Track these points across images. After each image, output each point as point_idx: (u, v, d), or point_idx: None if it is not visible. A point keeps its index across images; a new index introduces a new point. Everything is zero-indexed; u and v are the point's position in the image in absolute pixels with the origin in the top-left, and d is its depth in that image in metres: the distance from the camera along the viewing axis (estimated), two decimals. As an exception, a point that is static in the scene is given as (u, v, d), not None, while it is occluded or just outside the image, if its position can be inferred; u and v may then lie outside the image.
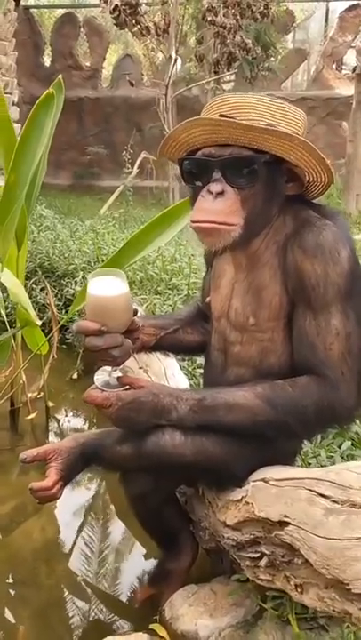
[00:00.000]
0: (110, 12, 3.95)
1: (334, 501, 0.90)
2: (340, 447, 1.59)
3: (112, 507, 1.98)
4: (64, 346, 3.05)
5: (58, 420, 2.59)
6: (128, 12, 3.87)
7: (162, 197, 9.63)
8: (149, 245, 1.90)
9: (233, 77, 8.31)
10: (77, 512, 1.94)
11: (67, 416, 2.66)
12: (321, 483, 0.93)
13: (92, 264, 3.30)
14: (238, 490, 1.20)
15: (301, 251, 1.10)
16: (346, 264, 1.08)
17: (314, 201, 1.22)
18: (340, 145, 8.95)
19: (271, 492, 1.02)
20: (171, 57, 4.16)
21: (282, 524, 0.96)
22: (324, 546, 0.84)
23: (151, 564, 1.65)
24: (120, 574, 1.66)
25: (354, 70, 10.45)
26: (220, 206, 1.07)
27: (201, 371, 2.32)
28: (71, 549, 1.75)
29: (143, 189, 9.05)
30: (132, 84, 4.98)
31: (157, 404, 1.16)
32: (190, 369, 2.27)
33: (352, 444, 1.60)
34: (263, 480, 1.08)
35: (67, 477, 1.34)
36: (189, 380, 2.15)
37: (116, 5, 3.90)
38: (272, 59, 8.81)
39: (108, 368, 1.25)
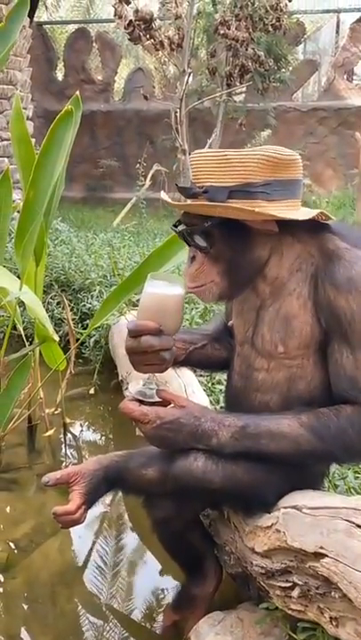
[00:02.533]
0: (125, 28, 3.98)
1: (374, 533, 0.86)
2: (367, 468, 1.55)
3: (128, 522, 1.95)
4: (80, 360, 3.04)
5: (75, 436, 2.57)
6: (142, 27, 3.90)
7: (173, 209, 9.65)
8: (171, 259, 1.88)
9: (244, 89, 8.32)
10: (95, 529, 1.91)
11: (84, 432, 2.64)
12: (359, 512, 0.90)
13: (109, 278, 3.29)
14: (267, 516, 1.16)
15: (334, 287, 1.08)
16: None
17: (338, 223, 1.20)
18: (353, 155, 8.92)
19: (305, 520, 0.98)
20: (184, 70, 4.17)
21: (317, 555, 0.92)
22: (366, 582, 0.80)
23: (169, 581, 1.63)
24: (142, 597, 1.62)
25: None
26: (193, 270, 1.14)
27: (220, 387, 2.29)
28: (91, 571, 1.71)
29: (156, 201, 9.05)
30: (145, 98, 5.01)
31: (198, 427, 1.14)
32: (209, 384, 2.23)
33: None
34: (295, 507, 1.04)
35: (90, 501, 1.31)
36: (208, 395, 2.12)
37: (131, 21, 3.93)
38: (283, 70, 8.81)
39: (144, 377, 1.22)
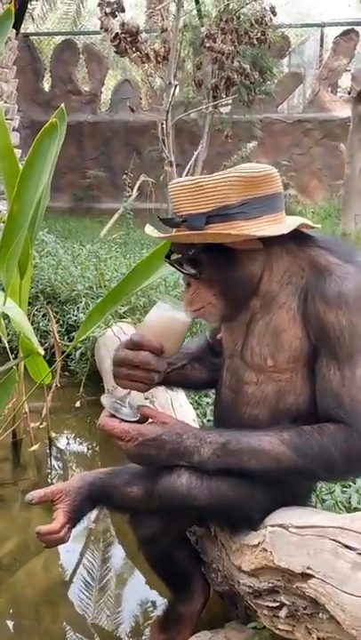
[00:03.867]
0: (111, 40, 4.00)
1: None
2: (354, 482, 1.54)
3: (115, 537, 1.92)
4: (66, 373, 3.01)
5: (61, 451, 2.53)
6: (128, 39, 3.92)
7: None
8: (157, 271, 1.87)
9: (230, 101, 8.39)
10: (81, 545, 1.87)
11: (70, 446, 2.60)
12: (345, 532, 0.89)
13: (95, 289, 3.27)
14: (254, 533, 1.15)
15: (324, 301, 1.08)
16: None
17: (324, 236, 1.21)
18: (338, 166, 9.03)
19: (291, 540, 0.97)
20: (170, 83, 4.20)
21: (304, 576, 0.90)
22: (353, 604, 0.79)
23: (156, 597, 1.61)
24: (129, 615, 1.59)
25: (349, 93, 10.62)
26: (188, 296, 1.16)
27: (207, 400, 2.28)
28: (77, 589, 1.68)
29: (143, 211, 9.06)
30: (132, 110, 5.02)
31: (180, 444, 1.13)
32: (196, 398, 2.22)
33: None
34: (282, 526, 1.03)
35: (74, 519, 1.30)
36: (195, 409, 2.11)
37: (117, 33, 3.95)
38: (268, 82, 8.91)
39: (122, 392, 1.21)
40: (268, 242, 1.13)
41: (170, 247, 1.20)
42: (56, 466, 2.42)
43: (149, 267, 1.89)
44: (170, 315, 1.14)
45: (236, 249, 1.12)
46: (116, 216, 7.19)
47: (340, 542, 0.88)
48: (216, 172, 1.12)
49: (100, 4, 4.11)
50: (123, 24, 3.99)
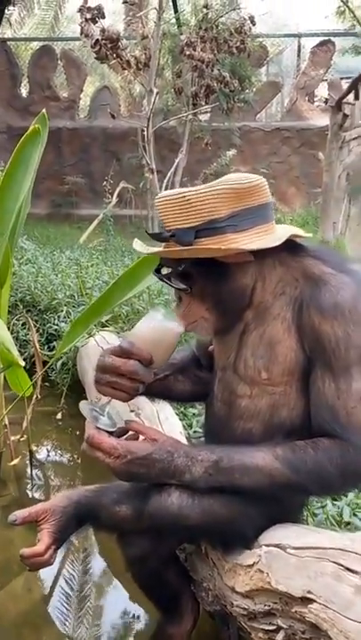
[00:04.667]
0: (91, 46, 3.97)
1: (364, 577, 0.82)
2: (346, 496, 1.52)
3: (98, 556, 1.86)
4: (47, 383, 2.94)
5: (41, 464, 2.47)
6: (109, 46, 3.89)
7: (141, 226, 9.65)
8: (142, 281, 1.83)
9: (209, 109, 8.42)
10: (65, 564, 1.81)
11: (50, 459, 2.54)
12: (347, 554, 0.86)
13: (76, 298, 3.21)
14: (248, 553, 1.11)
15: (319, 312, 1.05)
16: None
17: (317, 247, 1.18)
18: (315, 174, 9.14)
19: (290, 562, 0.94)
20: (151, 90, 4.18)
21: (305, 600, 0.87)
22: (358, 632, 0.76)
23: (141, 616, 1.57)
24: (114, 636, 1.54)
25: (326, 102, 10.77)
26: (181, 310, 1.14)
27: (193, 411, 2.24)
28: (60, 610, 1.62)
29: (123, 218, 9.04)
30: (113, 117, 4.98)
31: (171, 463, 1.09)
32: (182, 409, 2.18)
33: (359, 492, 1.52)
34: (278, 546, 1.00)
35: (60, 540, 1.24)
36: (181, 420, 2.07)
37: (98, 40, 3.92)
38: (247, 91, 8.97)
39: (103, 401, 1.17)
40: (260, 253, 1.10)
41: (159, 261, 1.16)
42: (37, 480, 2.35)
43: (134, 276, 1.85)
44: (162, 325, 1.11)
45: (228, 262, 1.09)
46: (96, 222, 7.14)
47: (341, 565, 0.85)
48: (202, 184, 1.09)
49: (80, 10, 4.06)
50: (103, 30, 3.96)
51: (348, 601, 0.80)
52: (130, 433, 1.17)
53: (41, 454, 2.52)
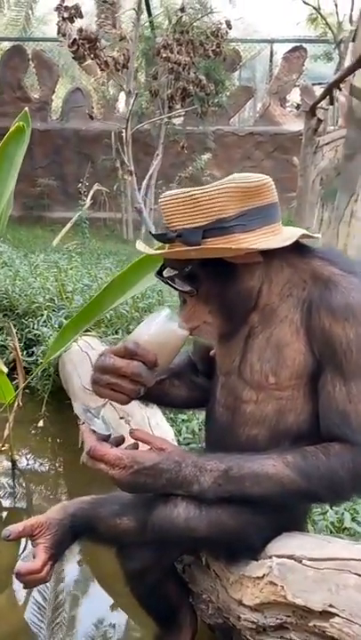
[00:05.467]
0: (69, 46, 3.91)
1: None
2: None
3: (90, 573, 1.80)
4: (27, 390, 2.85)
5: (23, 473, 2.39)
6: (87, 46, 3.83)
7: (115, 229, 9.58)
8: (135, 286, 1.78)
9: (182, 113, 8.44)
10: (53, 578, 1.74)
11: (32, 468, 2.46)
12: (370, 565, 0.83)
13: (56, 302, 3.14)
14: (256, 564, 1.07)
15: (331, 314, 1.02)
16: None
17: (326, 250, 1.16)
18: (288, 179, 9.21)
19: (308, 574, 0.90)
20: (130, 91, 4.14)
21: (325, 613, 0.84)
22: (388, 647, 0.73)
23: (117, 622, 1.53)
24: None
25: (298, 108, 10.92)
26: (184, 313, 1.10)
27: (183, 417, 2.20)
28: (48, 628, 1.55)
29: (97, 221, 8.96)
30: (91, 117, 4.93)
31: (178, 473, 1.04)
32: (172, 416, 2.14)
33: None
34: (292, 558, 0.96)
35: (56, 555, 1.18)
36: (171, 426, 2.03)
37: (75, 39, 3.86)
38: (221, 95, 9.02)
39: (98, 402, 1.13)
40: (268, 254, 1.07)
41: (163, 263, 1.12)
42: (19, 488, 2.27)
43: (126, 281, 1.80)
44: (167, 326, 1.07)
45: (236, 263, 1.06)
46: (69, 225, 7.04)
47: (365, 577, 0.82)
48: (209, 184, 1.05)
49: (57, 9, 4.00)
50: (80, 30, 3.90)
51: (375, 615, 0.77)
52: (132, 442, 1.12)
53: (22, 462, 2.44)
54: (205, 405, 1.35)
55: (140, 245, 1.13)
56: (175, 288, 1.10)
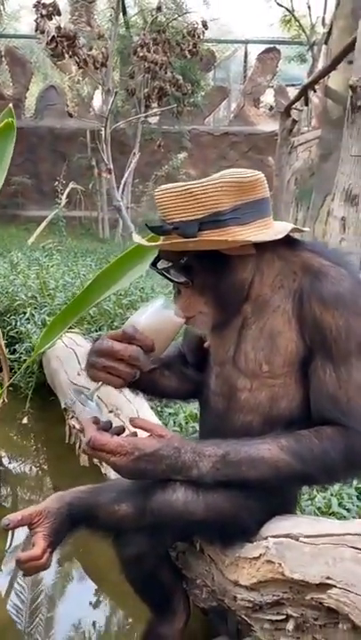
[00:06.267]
0: (47, 43, 3.90)
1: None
2: (332, 486, 1.56)
3: (83, 570, 1.81)
4: (10, 387, 2.84)
5: (7, 471, 2.39)
6: (65, 43, 3.83)
7: (91, 227, 9.55)
8: (120, 280, 1.80)
9: (159, 112, 8.47)
10: (38, 576, 1.75)
11: (17, 465, 2.46)
12: (364, 539, 0.88)
13: (38, 299, 3.13)
14: (251, 545, 1.12)
15: (321, 302, 1.07)
16: None
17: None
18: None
19: (304, 550, 0.95)
20: (109, 90, 4.15)
21: (322, 586, 0.89)
22: (383, 612, 0.78)
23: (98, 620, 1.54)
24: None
25: (271, 109, 11.05)
26: (180, 303, 1.13)
27: (169, 410, 2.23)
28: (35, 628, 1.55)
29: (73, 219, 8.91)
30: (70, 115, 4.92)
31: (178, 459, 1.08)
32: (158, 409, 2.17)
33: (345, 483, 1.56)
34: (289, 536, 1.01)
35: (55, 543, 1.20)
36: (159, 418, 2.06)
37: (54, 37, 3.85)
38: (196, 94, 9.08)
39: (92, 386, 1.16)
40: (260, 247, 1.12)
41: (157, 255, 1.15)
42: (3, 487, 2.27)
43: (111, 277, 1.82)
44: (166, 313, 1.11)
45: (230, 255, 1.10)
46: (45, 223, 6.99)
47: (360, 549, 0.87)
48: (204, 178, 1.09)
49: (35, 6, 3.98)
50: (59, 27, 3.90)
51: (371, 583, 0.82)
52: (132, 431, 1.16)
53: (5, 460, 2.44)
54: (195, 397, 1.40)
55: (137, 237, 1.16)
56: (170, 279, 1.13)
